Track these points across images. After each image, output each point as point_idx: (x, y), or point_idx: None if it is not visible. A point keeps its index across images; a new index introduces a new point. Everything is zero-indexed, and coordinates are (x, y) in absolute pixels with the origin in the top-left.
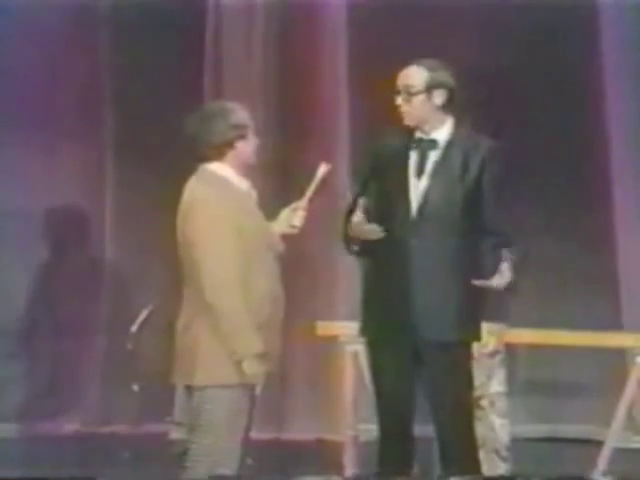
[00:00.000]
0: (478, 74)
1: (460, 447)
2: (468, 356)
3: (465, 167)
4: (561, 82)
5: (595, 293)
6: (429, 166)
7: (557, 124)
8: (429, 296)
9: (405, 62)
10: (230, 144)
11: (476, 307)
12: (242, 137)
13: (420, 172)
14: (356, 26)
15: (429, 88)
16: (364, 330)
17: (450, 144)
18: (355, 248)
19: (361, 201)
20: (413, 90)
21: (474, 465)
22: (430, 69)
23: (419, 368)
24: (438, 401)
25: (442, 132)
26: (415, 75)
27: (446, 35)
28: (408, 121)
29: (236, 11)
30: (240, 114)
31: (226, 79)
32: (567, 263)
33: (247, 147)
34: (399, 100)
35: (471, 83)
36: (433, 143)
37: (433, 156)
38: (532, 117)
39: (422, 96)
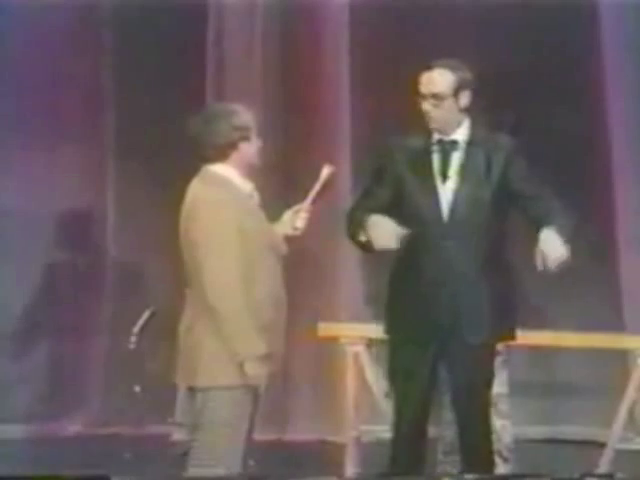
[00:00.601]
0: (478, 74)
1: (481, 443)
2: (493, 354)
3: (489, 167)
4: (562, 82)
5: (597, 295)
6: (454, 168)
7: (558, 124)
8: (464, 297)
9: (407, 63)
10: (233, 145)
11: (510, 305)
12: (245, 139)
13: (445, 174)
14: (358, 27)
15: (456, 90)
16: (391, 330)
17: (471, 144)
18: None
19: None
20: (442, 95)
21: (491, 463)
22: (454, 70)
23: (441, 369)
24: (464, 400)
25: (461, 133)
26: (442, 79)
27: (448, 35)
28: (434, 125)
29: (238, 12)
30: (243, 116)
31: (228, 80)
32: (569, 265)
33: (250, 149)
34: (427, 105)
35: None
36: (455, 144)
37: (456, 157)
38: (532, 118)
39: (451, 99)
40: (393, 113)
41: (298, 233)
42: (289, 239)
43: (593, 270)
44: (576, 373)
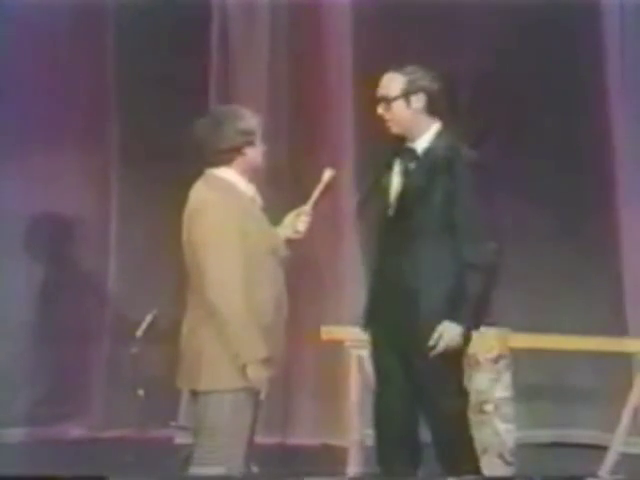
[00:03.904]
0: (482, 75)
1: (455, 451)
2: (456, 360)
3: (440, 176)
4: (563, 82)
5: (600, 298)
6: (408, 173)
7: (559, 125)
8: (418, 299)
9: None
10: (238, 150)
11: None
12: (250, 143)
13: (400, 178)
14: (362, 31)
15: (406, 93)
16: (365, 328)
17: (428, 152)
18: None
19: None
20: (390, 97)
21: (473, 468)
22: (406, 74)
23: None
24: (429, 408)
25: (424, 139)
26: (391, 82)
27: (451, 36)
28: (394, 129)
29: (242, 14)
30: (249, 120)
31: (231, 84)
32: (571, 268)
33: (255, 153)
34: (380, 109)
35: (475, 84)
36: (411, 152)
37: (412, 164)
38: (534, 118)
39: (400, 102)
40: None
41: (300, 236)
42: (291, 242)
43: (596, 273)
44: (580, 377)
